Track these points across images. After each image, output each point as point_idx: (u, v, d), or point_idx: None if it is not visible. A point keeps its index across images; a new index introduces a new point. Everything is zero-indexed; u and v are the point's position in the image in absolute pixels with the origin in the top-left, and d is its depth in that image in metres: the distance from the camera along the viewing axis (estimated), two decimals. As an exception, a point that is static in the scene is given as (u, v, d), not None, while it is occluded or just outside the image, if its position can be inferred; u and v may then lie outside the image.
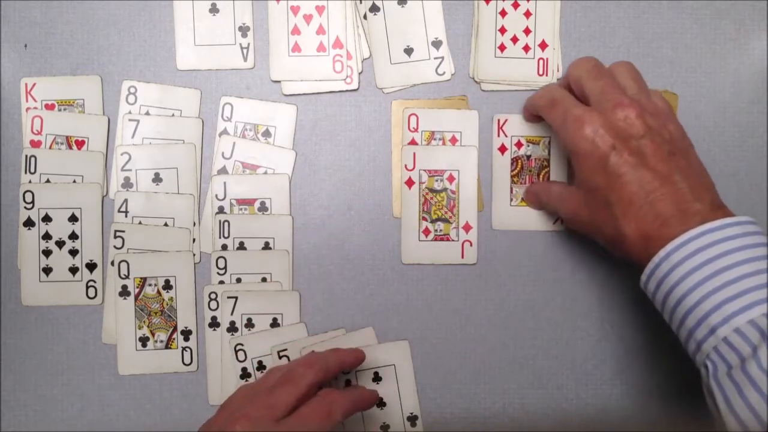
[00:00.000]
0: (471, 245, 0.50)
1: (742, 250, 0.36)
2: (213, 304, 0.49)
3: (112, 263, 0.49)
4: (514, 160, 0.50)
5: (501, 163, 0.50)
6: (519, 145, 0.50)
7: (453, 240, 0.50)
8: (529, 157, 0.50)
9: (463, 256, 0.50)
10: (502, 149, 0.50)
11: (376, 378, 0.49)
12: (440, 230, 0.50)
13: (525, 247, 0.51)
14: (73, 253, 0.49)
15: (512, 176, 0.50)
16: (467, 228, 0.50)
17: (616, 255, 0.43)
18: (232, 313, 0.49)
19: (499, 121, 0.50)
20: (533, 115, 0.49)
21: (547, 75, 0.50)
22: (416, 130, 0.50)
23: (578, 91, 0.45)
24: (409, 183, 0.50)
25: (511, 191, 0.50)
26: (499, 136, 0.50)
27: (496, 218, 0.50)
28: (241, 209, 0.50)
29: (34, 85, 0.49)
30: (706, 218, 0.38)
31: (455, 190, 0.50)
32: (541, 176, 0.50)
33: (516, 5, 0.50)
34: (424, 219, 0.50)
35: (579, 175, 0.43)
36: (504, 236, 0.51)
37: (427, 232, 0.50)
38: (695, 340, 0.37)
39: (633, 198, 0.39)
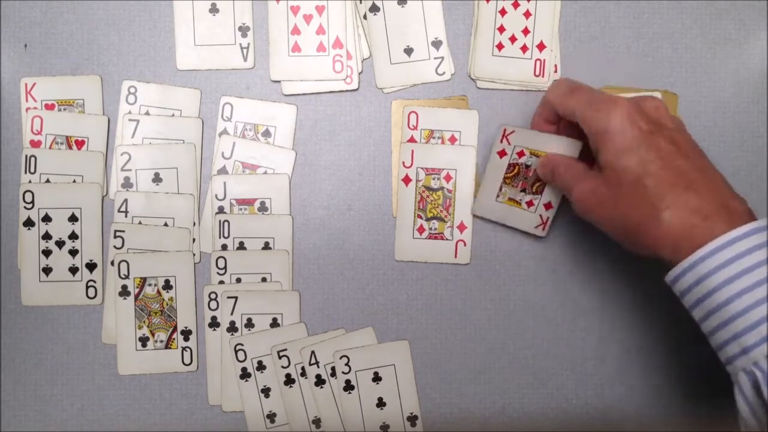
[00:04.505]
0: (465, 245, 0.50)
1: None
2: (213, 304, 0.49)
3: (112, 263, 0.49)
4: (512, 165, 0.48)
5: (497, 163, 0.49)
6: (521, 154, 0.48)
7: (447, 239, 0.50)
8: (528, 166, 0.48)
9: (456, 256, 0.50)
10: (502, 154, 0.49)
11: (376, 378, 0.49)
12: (435, 229, 0.50)
13: (525, 247, 0.51)
14: (73, 253, 0.49)
15: (506, 177, 0.49)
16: (462, 228, 0.50)
17: (633, 246, 0.41)
18: (232, 313, 0.49)
19: (505, 130, 0.48)
20: (547, 121, 0.47)
21: (543, 76, 0.50)
22: (416, 128, 0.50)
23: (580, 122, 0.42)
24: (406, 180, 0.50)
25: (500, 189, 0.49)
26: (501, 142, 0.48)
27: (478, 205, 0.50)
28: (241, 209, 0.50)
29: (34, 85, 0.49)
30: (750, 217, 0.36)
31: (452, 189, 0.50)
32: (534, 187, 0.48)
33: (516, 5, 0.50)
34: (420, 217, 0.50)
35: (605, 155, 0.40)
36: (504, 235, 0.51)
37: (421, 229, 0.50)
38: (740, 345, 0.35)
39: (675, 183, 0.38)
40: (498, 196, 0.49)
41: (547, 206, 0.49)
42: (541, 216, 0.49)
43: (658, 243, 0.38)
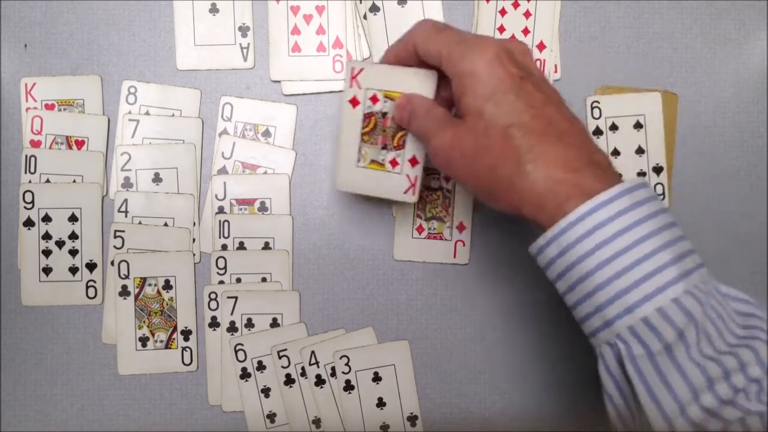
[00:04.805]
0: (464, 245, 0.50)
1: (652, 217, 0.33)
2: (213, 304, 0.49)
3: (112, 263, 0.49)
4: (367, 116, 0.43)
5: (351, 117, 0.43)
6: (374, 99, 0.42)
7: (446, 239, 0.50)
8: (384, 114, 0.42)
9: (455, 256, 0.50)
10: (354, 102, 0.42)
11: (376, 378, 0.49)
12: (434, 228, 0.50)
13: (525, 247, 0.51)
14: (73, 253, 0.49)
15: (363, 134, 0.43)
16: (461, 228, 0.50)
17: (496, 203, 0.37)
18: (232, 313, 0.49)
19: (353, 69, 0.42)
20: (400, 62, 0.41)
21: (545, 75, 0.50)
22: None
23: (444, 61, 0.38)
24: None
25: (359, 150, 0.43)
26: (351, 86, 0.42)
27: (340, 178, 0.44)
28: (241, 209, 0.50)
29: (34, 85, 0.49)
30: (613, 171, 0.35)
31: (451, 189, 0.50)
32: (396, 139, 0.43)
33: (516, 5, 0.50)
34: (419, 216, 0.50)
35: (469, 100, 0.36)
36: (504, 235, 0.51)
37: (420, 229, 0.50)
38: (603, 318, 0.33)
39: (544, 133, 0.35)
40: (359, 160, 0.43)
41: (413, 162, 0.43)
42: (408, 177, 0.43)
43: (522, 200, 0.35)
